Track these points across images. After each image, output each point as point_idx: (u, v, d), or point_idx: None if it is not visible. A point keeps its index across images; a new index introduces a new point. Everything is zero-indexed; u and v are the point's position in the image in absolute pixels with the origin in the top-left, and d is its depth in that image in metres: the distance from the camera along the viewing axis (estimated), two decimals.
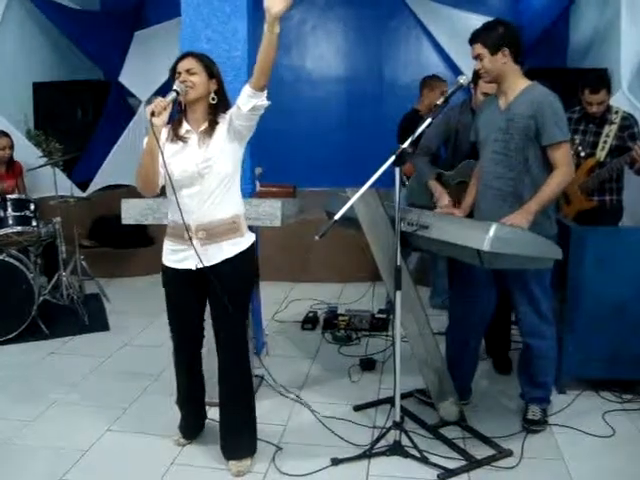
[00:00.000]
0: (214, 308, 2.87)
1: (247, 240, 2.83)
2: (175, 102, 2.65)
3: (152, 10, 7.01)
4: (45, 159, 5.27)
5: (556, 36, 6.45)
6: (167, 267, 2.85)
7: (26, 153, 5.69)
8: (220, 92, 2.76)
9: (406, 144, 2.82)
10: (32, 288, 4.47)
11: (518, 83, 3.03)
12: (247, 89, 2.59)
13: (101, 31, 6.69)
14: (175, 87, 2.64)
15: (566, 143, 2.98)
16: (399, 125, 5.09)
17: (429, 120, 2.89)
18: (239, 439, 2.93)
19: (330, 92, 7.27)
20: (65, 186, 5.54)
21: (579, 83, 3.95)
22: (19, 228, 4.69)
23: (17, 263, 4.46)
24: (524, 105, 2.96)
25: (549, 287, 3.14)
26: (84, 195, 6.26)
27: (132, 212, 3.32)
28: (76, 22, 6.67)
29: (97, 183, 6.51)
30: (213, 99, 2.73)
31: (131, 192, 5.82)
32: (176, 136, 2.74)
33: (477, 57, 3.05)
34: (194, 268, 2.75)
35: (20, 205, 4.75)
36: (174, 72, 2.72)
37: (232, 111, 2.69)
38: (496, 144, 3.07)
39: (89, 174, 6.50)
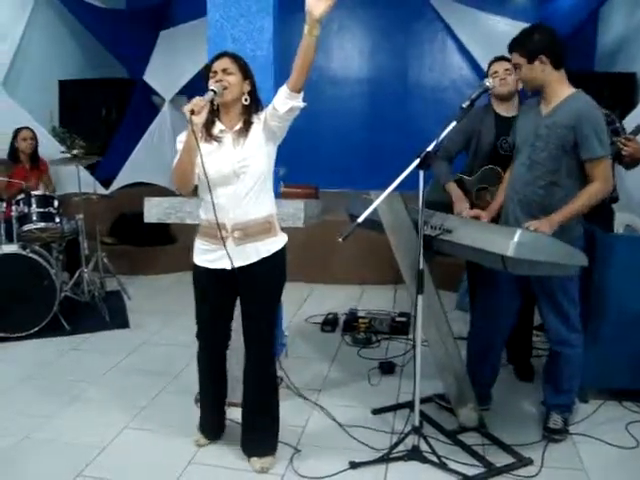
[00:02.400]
0: (245, 306, 2.87)
1: (281, 239, 2.84)
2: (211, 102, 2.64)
3: (178, 9, 7.05)
4: (68, 156, 5.31)
5: (584, 40, 6.38)
6: (199, 267, 2.83)
7: (51, 150, 5.75)
8: (253, 93, 2.76)
9: (430, 147, 2.79)
10: (54, 284, 4.50)
11: (562, 90, 2.94)
12: (284, 90, 2.59)
13: (127, 30, 6.75)
14: (212, 87, 2.61)
15: (606, 159, 2.89)
16: None
17: (453, 123, 2.86)
18: (263, 436, 2.95)
19: (354, 93, 7.26)
20: (88, 183, 5.58)
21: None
22: (42, 224, 4.73)
23: (40, 259, 4.49)
24: (566, 114, 2.88)
25: (577, 296, 3.09)
26: (107, 192, 6.32)
27: (154, 211, 3.32)
28: (102, 20, 6.73)
29: (120, 181, 6.56)
30: (246, 100, 2.73)
31: (154, 190, 5.87)
32: (209, 136, 2.72)
33: (515, 66, 2.99)
34: (229, 268, 2.73)
35: (44, 202, 4.80)
36: (208, 71, 2.72)
37: (267, 111, 2.68)
38: (531, 150, 3.00)
39: (112, 172, 6.56)
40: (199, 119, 2.55)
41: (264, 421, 2.95)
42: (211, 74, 2.69)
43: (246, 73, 2.74)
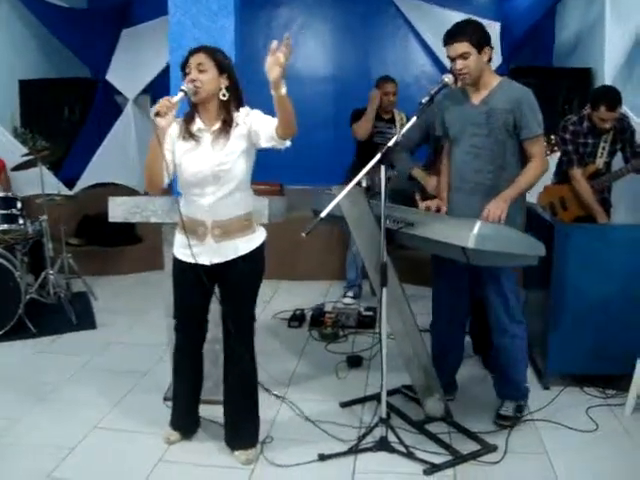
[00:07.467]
0: (224, 303, 2.87)
1: (260, 236, 2.86)
2: (186, 100, 2.61)
3: (140, 8, 6.98)
4: (31, 157, 5.25)
5: (542, 35, 6.51)
6: (179, 260, 2.84)
7: (13, 151, 5.67)
8: (232, 88, 2.68)
9: (391, 142, 2.84)
10: (19, 286, 4.45)
11: (491, 79, 3.08)
12: (273, 132, 2.55)
13: (88, 29, 6.67)
14: (182, 87, 2.56)
15: (542, 136, 3.08)
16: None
17: (414, 119, 2.91)
18: (247, 430, 2.99)
19: (317, 91, 7.28)
20: (52, 184, 5.53)
21: (593, 99, 3.93)
22: (6, 226, 4.68)
23: (4, 261, 4.43)
24: (502, 100, 3.02)
25: (516, 288, 3.19)
26: (71, 193, 6.24)
27: (119, 210, 3.31)
28: (63, 19, 6.64)
29: (84, 181, 6.49)
30: (224, 95, 2.65)
31: (118, 190, 5.83)
32: (188, 133, 2.68)
33: (461, 56, 2.96)
34: (208, 264, 2.75)
35: (7, 203, 4.74)
36: (185, 67, 2.65)
37: (253, 125, 2.64)
38: (474, 138, 3.09)
39: (76, 172, 6.49)
40: (164, 122, 2.50)
41: (248, 416, 2.99)
42: (187, 70, 2.62)
43: (222, 68, 2.64)
